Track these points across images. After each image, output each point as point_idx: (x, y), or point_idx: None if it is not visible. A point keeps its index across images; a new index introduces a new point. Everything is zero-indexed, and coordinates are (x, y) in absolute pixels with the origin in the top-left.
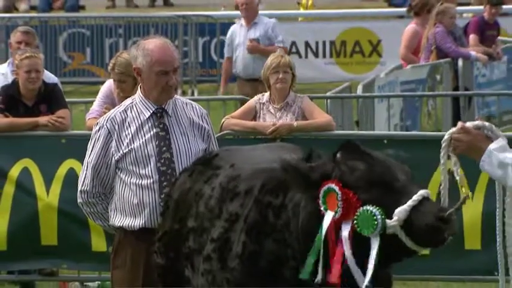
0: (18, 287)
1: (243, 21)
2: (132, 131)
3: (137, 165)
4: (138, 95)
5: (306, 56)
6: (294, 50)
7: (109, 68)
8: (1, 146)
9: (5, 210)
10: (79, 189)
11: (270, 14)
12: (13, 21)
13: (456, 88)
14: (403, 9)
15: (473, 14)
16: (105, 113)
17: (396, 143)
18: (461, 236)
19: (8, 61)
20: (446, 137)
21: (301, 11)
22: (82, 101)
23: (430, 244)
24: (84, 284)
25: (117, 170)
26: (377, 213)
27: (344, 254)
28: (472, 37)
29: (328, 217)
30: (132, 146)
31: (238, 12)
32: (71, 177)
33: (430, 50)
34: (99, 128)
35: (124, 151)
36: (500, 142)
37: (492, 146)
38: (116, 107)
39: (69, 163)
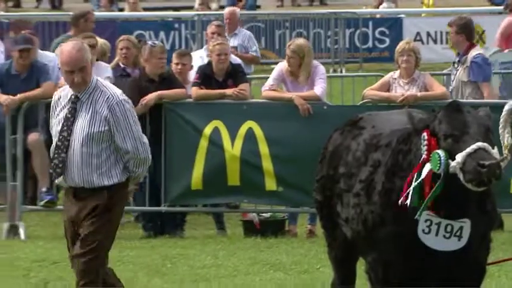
0: (210, 217)
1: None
2: (58, 110)
3: (54, 137)
4: None
5: (428, 43)
6: (418, 38)
7: (286, 47)
8: (198, 111)
9: (201, 159)
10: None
11: (399, 12)
12: (207, 17)
13: None
14: (501, 7)
15: None
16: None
17: (497, 109)
18: None
19: (204, 47)
20: (507, 107)
21: (424, 8)
22: (259, 77)
23: (475, 182)
24: (260, 214)
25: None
26: (442, 155)
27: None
28: None
29: (422, 157)
30: (53, 122)
31: (377, 10)
32: (250, 135)
33: None
34: (52, 100)
35: (51, 124)
36: None
37: None
38: (64, 87)
39: (249, 124)
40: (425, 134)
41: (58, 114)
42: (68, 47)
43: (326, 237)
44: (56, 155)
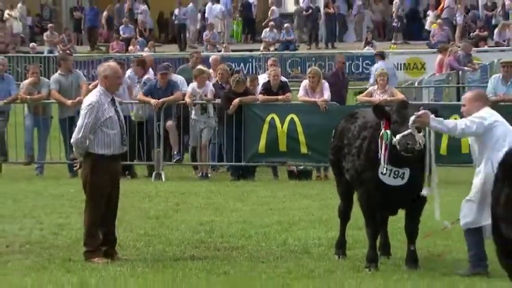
0: (269, 168)
1: None
2: (106, 107)
3: (112, 124)
4: (100, 89)
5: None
6: (410, 68)
7: (308, 71)
8: (262, 108)
9: (264, 135)
10: (80, 135)
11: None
12: (267, 55)
13: None
14: (435, 49)
15: None
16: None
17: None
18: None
19: (266, 72)
20: (412, 118)
21: (391, 50)
22: (297, 88)
23: (404, 152)
24: (297, 167)
25: (101, 126)
26: (388, 134)
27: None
28: None
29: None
30: (109, 115)
31: (364, 51)
32: (292, 121)
33: None
34: (93, 105)
35: (106, 117)
36: (433, 116)
37: (431, 117)
38: (96, 94)
39: (291, 115)
40: (383, 120)
41: (107, 110)
42: (115, 64)
43: (335, 180)
44: (122, 134)
